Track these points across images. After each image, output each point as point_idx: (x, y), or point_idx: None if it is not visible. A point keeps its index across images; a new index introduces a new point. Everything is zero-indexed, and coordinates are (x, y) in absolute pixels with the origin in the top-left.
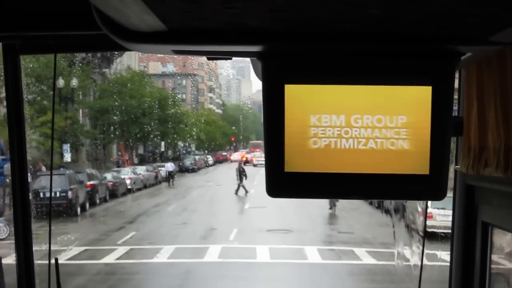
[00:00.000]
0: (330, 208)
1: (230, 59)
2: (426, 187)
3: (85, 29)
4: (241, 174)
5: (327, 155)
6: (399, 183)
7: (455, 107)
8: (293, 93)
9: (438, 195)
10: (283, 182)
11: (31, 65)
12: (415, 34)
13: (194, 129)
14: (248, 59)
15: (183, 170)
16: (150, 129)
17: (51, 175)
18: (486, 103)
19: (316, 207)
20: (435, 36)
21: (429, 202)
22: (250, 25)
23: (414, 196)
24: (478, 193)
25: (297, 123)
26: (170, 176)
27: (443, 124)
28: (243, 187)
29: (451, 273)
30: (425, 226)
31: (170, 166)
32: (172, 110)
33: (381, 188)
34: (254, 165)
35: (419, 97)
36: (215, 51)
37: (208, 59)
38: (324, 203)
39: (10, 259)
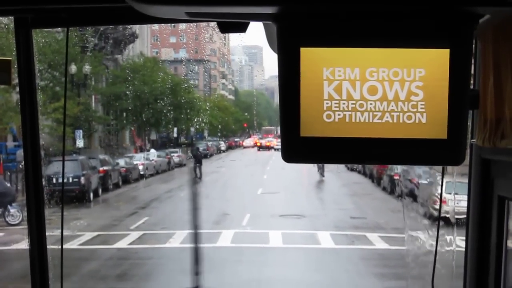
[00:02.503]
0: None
1: (244, 31)
2: (444, 152)
3: (98, 1)
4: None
5: (343, 119)
6: (416, 148)
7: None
8: (309, 56)
9: (457, 160)
10: (299, 147)
11: (44, 50)
12: None
13: (207, 115)
14: (260, 45)
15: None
16: (162, 115)
17: (63, 160)
18: (503, 74)
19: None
20: None
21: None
22: None
23: (432, 161)
24: (494, 167)
25: (312, 87)
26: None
27: (461, 88)
28: (199, 170)
29: (467, 248)
30: (440, 211)
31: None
32: (185, 96)
33: (398, 153)
34: (275, 150)
35: (437, 60)
36: (229, 14)
37: (222, 31)
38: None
39: (23, 245)
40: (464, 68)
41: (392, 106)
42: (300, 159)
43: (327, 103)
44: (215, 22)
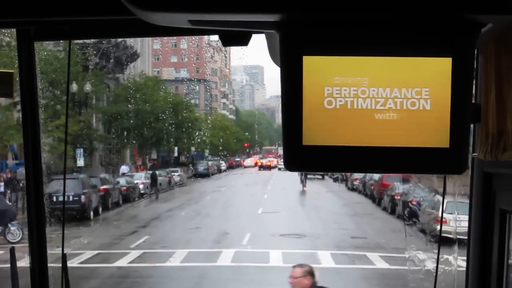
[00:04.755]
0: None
1: (246, 44)
2: (446, 160)
3: (101, 14)
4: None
5: (346, 128)
6: (419, 157)
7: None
8: (312, 65)
9: (459, 169)
10: (301, 156)
11: (45, 68)
12: (435, 2)
13: (207, 134)
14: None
15: (196, 175)
16: (163, 134)
17: (64, 179)
18: (505, 87)
19: None
20: (456, 5)
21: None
22: None
23: (434, 170)
24: (496, 180)
25: (314, 96)
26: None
27: (463, 97)
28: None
29: (468, 261)
30: (440, 230)
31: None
32: (186, 115)
33: (400, 161)
34: (279, 169)
35: (439, 69)
36: (231, 22)
37: (224, 44)
38: None
39: (23, 262)
40: (466, 77)
41: (395, 115)
42: (303, 168)
43: (329, 112)
44: (217, 38)
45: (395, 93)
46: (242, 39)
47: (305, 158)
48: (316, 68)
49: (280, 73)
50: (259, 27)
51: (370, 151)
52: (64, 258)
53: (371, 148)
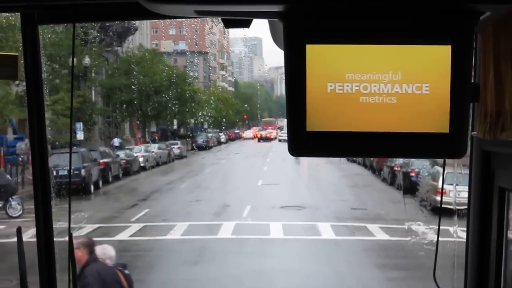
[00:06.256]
0: None
1: (248, 26)
2: (446, 145)
3: None
4: None
5: (348, 113)
6: (419, 141)
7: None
8: (315, 53)
9: (458, 153)
10: (305, 141)
11: (43, 43)
12: None
13: (206, 106)
14: (259, 37)
15: (196, 148)
16: (162, 107)
17: (70, 152)
18: (503, 68)
19: None
20: None
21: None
22: None
23: (434, 154)
24: (494, 159)
25: (318, 83)
26: None
27: (462, 83)
28: None
29: (468, 240)
30: (441, 202)
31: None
32: (184, 88)
33: (401, 146)
34: (279, 140)
35: (439, 57)
36: (236, 11)
37: (226, 26)
38: None
39: (25, 237)
40: (465, 64)
41: (396, 100)
42: (306, 153)
43: (332, 99)
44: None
45: (396, 80)
46: (244, 22)
47: (309, 144)
48: (319, 56)
49: (284, 61)
50: (262, 16)
51: (372, 136)
52: (70, 232)
53: (373, 134)
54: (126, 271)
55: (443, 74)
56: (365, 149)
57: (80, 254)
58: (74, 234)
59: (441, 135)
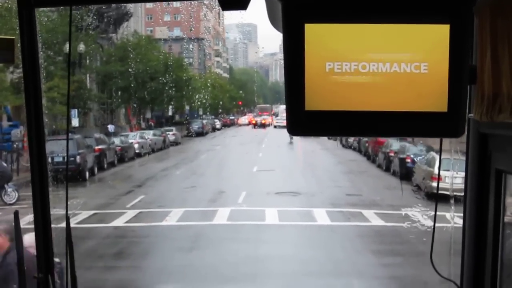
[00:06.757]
0: None
1: (245, 8)
2: (445, 124)
3: None
4: None
5: (347, 93)
6: (417, 121)
7: None
8: (313, 32)
9: (456, 132)
10: (304, 121)
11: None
12: None
13: (202, 93)
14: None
15: (191, 134)
16: (157, 93)
17: (67, 139)
18: (500, 49)
19: None
20: None
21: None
22: None
23: (433, 133)
24: (491, 141)
25: (316, 62)
26: None
27: (461, 63)
28: None
29: (465, 221)
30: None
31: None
32: (180, 74)
33: (400, 126)
34: (275, 127)
35: (437, 36)
36: None
37: (223, 8)
38: None
39: (21, 223)
40: (464, 43)
41: (394, 79)
42: (305, 132)
43: (330, 79)
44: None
45: (394, 59)
46: (241, 3)
47: (308, 123)
48: (318, 36)
49: (283, 40)
50: None
51: (370, 115)
52: (67, 219)
53: (371, 113)
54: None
55: (441, 53)
56: (363, 128)
57: (1, 241)
58: (70, 220)
59: (440, 114)
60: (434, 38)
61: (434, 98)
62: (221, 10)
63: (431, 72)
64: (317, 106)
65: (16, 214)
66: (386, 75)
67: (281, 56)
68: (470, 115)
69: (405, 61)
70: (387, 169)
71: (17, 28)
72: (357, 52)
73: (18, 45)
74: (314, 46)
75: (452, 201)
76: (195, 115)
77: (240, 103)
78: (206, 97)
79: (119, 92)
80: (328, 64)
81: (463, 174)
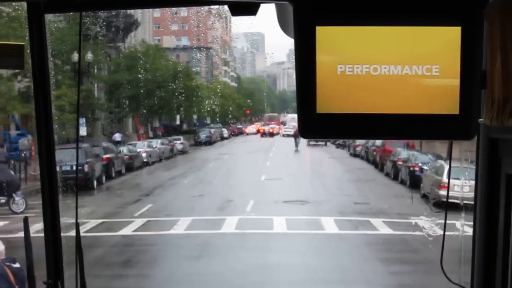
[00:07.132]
0: None
1: (255, 13)
2: (456, 127)
3: None
4: None
5: (358, 95)
6: (429, 123)
7: None
8: (325, 35)
9: (468, 135)
10: (315, 124)
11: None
12: None
13: (209, 102)
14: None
15: (199, 143)
16: (165, 102)
17: (77, 148)
18: (510, 54)
19: None
20: None
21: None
22: None
23: (444, 136)
24: (501, 145)
25: (327, 65)
26: None
27: (472, 65)
28: None
29: (475, 227)
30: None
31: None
32: (187, 83)
33: (411, 128)
34: (283, 135)
35: (449, 38)
36: None
37: (233, 13)
38: None
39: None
40: (475, 45)
41: (406, 82)
42: (316, 135)
43: (342, 81)
44: (224, 7)
45: (406, 62)
46: (251, 9)
47: (319, 126)
48: (329, 38)
49: (294, 43)
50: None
51: (382, 118)
52: (77, 226)
53: (383, 116)
54: (16, 265)
55: (453, 55)
56: (375, 131)
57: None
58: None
59: (451, 116)
60: (446, 40)
61: (446, 101)
62: (229, 19)
63: (442, 74)
64: (329, 108)
65: (25, 220)
66: (398, 77)
67: (288, 65)
68: (480, 120)
69: (417, 63)
70: (395, 178)
71: (27, 34)
72: (368, 54)
73: (28, 51)
74: (326, 49)
75: (461, 209)
76: (203, 124)
77: (248, 111)
78: (214, 104)
79: (127, 101)
80: (339, 66)
81: (472, 182)
